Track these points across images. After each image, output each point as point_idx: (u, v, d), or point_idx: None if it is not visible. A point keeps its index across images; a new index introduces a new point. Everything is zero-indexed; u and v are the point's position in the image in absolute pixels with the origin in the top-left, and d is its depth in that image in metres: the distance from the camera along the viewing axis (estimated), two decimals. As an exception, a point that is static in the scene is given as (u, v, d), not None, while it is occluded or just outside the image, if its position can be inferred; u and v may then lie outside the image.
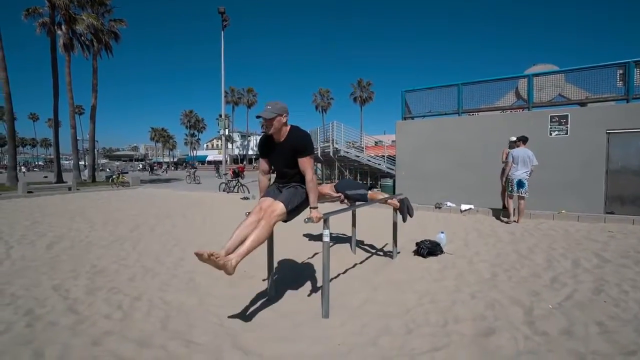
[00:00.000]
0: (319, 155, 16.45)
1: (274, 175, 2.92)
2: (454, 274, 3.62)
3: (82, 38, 19.12)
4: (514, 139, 6.90)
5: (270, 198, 2.65)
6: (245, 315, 2.69)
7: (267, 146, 2.71)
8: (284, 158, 2.65)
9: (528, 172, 6.38)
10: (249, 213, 2.88)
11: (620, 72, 7.07)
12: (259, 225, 2.44)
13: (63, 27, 17.75)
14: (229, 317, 2.66)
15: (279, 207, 2.51)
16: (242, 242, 2.42)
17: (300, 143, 2.59)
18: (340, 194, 4.09)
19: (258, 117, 2.51)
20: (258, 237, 2.40)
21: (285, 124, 2.58)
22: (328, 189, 4.19)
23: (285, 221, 2.67)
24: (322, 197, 4.09)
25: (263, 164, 2.84)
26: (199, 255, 2.20)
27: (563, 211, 6.93)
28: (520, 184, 6.41)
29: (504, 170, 6.91)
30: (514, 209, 6.57)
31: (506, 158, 6.79)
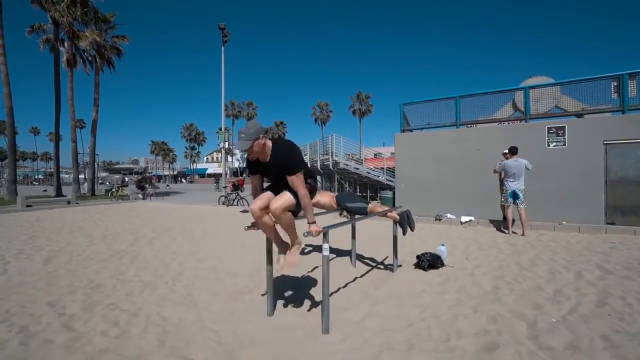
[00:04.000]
0: (319, 167, 16.50)
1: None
2: (456, 287, 3.58)
3: (85, 54, 19.45)
4: (507, 151, 6.97)
5: (267, 194, 2.61)
6: (243, 331, 2.64)
7: (255, 165, 2.63)
8: (275, 175, 2.61)
9: (522, 183, 6.42)
10: (248, 227, 2.87)
11: (615, 84, 7.18)
12: (277, 223, 2.66)
13: (66, 43, 18.08)
14: (227, 333, 2.61)
15: (286, 196, 2.50)
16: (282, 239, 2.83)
17: (286, 161, 2.48)
18: (339, 206, 4.08)
19: (236, 148, 2.50)
20: (287, 225, 2.63)
21: (265, 143, 2.46)
22: (329, 198, 4.17)
23: (295, 213, 2.68)
24: (321, 207, 4.08)
25: (254, 181, 2.75)
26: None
27: (564, 222, 6.90)
28: (514, 195, 6.46)
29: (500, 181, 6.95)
30: (513, 221, 6.58)
31: (497, 168, 6.83)
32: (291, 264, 2.82)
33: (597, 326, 2.58)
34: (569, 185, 7.19)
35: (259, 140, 2.42)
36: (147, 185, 18.88)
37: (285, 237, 2.88)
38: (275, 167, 2.54)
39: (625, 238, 5.91)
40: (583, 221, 6.83)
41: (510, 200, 6.53)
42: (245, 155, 2.56)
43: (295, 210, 2.63)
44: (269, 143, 2.50)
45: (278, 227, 2.80)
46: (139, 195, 17.88)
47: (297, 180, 2.47)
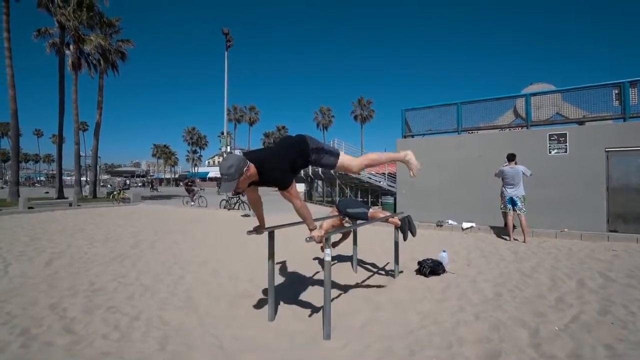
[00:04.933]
0: (320, 173, 16.53)
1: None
2: (457, 294, 3.57)
3: (90, 57, 19.64)
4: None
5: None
6: (244, 336, 2.64)
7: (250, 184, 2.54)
8: (271, 186, 2.56)
9: (520, 190, 6.42)
10: (250, 232, 2.88)
11: (616, 91, 7.20)
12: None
13: (72, 47, 18.26)
14: (228, 338, 2.61)
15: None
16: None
17: (274, 179, 2.41)
18: (343, 215, 4.07)
19: (226, 192, 2.41)
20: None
21: (249, 174, 2.31)
22: (330, 221, 4.07)
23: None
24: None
25: (250, 192, 2.73)
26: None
27: (565, 229, 6.88)
28: (512, 202, 6.47)
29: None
30: (514, 227, 6.59)
31: (497, 173, 6.85)
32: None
33: (600, 335, 2.56)
34: (570, 192, 7.18)
35: (243, 176, 2.26)
36: (195, 188, 16.49)
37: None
38: (267, 183, 2.49)
39: (627, 246, 5.88)
40: (585, 228, 6.81)
41: (509, 206, 6.54)
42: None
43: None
44: (252, 168, 2.33)
45: None
46: (190, 202, 15.61)
47: (289, 195, 2.44)
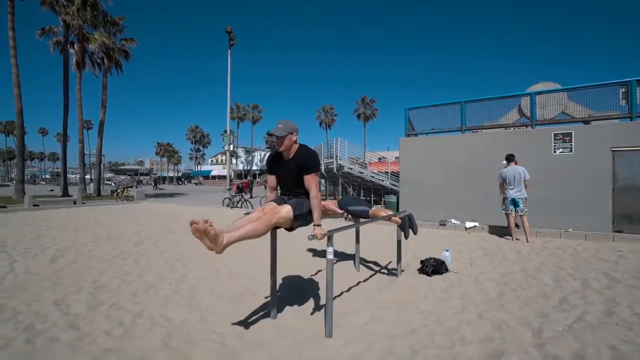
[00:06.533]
0: (323, 171, 16.52)
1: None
2: (460, 293, 3.55)
3: (94, 56, 19.72)
4: (505, 162, 6.93)
5: (275, 203, 2.72)
6: (246, 334, 2.65)
7: (275, 163, 2.81)
8: (291, 175, 2.73)
9: (522, 191, 6.36)
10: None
11: (623, 90, 7.12)
12: (260, 220, 2.49)
13: (76, 45, 18.34)
14: (231, 335, 2.62)
15: (285, 209, 2.60)
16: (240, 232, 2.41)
17: (306, 161, 2.68)
18: (342, 210, 4.08)
19: (270, 134, 2.64)
20: (255, 229, 2.43)
21: (295, 142, 2.69)
22: (332, 205, 4.19)
23: (289, 229, 2.73)
24: (325, 214, 4.10)
25: (271, 180, 2.92)
26: (195, 224, 2.12)
27: (570, 229, 6.83)
28: (514, 203, 6.41)
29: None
30: (517, 226, 6.54)
31: (500, 188, 6.80)
32: (208, 237, 2.21)
33: (605, 336, 2.54)
34: (575, 192, 7.12)
35: (291, 136, 2.63)
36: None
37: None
38: (294, 166, 2.70)
39: (633, 246, 5.82)
40: (590, 229, 6.75)
41: (511, 207, 6.47)
42: (267, 155, 2.66)
43: (293, 225, 2.70)
44: (297, 144, 2.71)
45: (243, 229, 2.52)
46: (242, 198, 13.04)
47: (312, 180, 2.67)
